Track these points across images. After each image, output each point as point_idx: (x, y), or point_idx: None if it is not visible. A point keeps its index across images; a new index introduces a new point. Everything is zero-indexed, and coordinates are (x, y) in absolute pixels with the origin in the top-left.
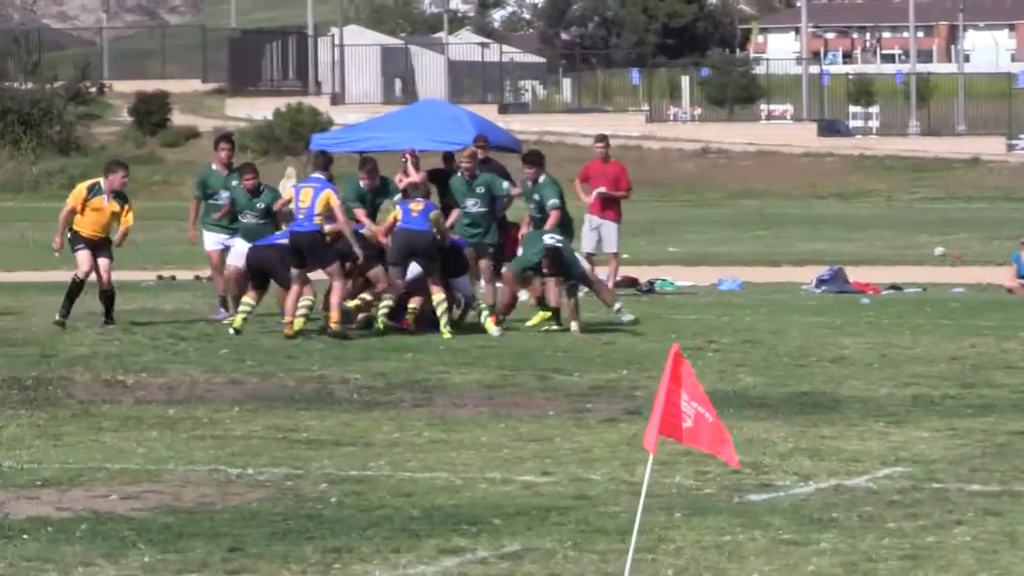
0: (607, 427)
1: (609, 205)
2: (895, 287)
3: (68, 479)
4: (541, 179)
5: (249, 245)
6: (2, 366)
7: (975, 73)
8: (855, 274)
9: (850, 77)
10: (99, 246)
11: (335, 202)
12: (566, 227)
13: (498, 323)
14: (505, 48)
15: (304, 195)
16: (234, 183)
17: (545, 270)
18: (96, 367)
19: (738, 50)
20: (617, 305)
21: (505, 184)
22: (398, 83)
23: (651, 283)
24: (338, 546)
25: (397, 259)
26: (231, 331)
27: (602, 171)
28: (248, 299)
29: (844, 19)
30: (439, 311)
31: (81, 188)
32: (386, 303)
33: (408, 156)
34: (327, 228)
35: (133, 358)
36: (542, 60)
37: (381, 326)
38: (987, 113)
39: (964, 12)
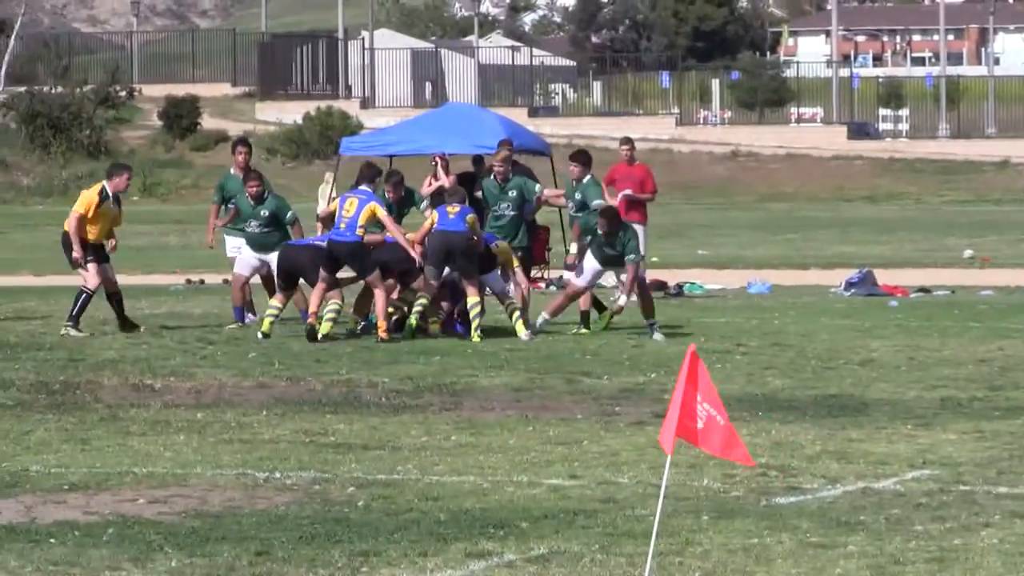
0: (635, 430)
1: (634, 208)
2: (924, 290)
3: (95, 483)
4: (585, 179)
5: (256, 255)
6: (30, 370)
7: (1005, 76)
8: (884, 277)
9: (880, 80)
10: (100, 251)
11: (382, 213)
12: None
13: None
14: (535, 51)
15: (349, 205)
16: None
17: (601, 230)
18: (124, 371)
19: (768, 53)
20: (622, 298)
21: (537, 187)
22: (428, 87)
23: (680, 286)
24: (365, 550)
25: (434, 260)
26: (259, 335)
27: (627, 174)
28: (275, 302)
29: (874, 22)
30: (472, 314)
31: (92, 194)
32: (421, 302)
33: (438, 160)
34: (367, 238)
35: (161, 362)
36: (572, 63)
37: (413, 324)
38: (1017, 116)
39: (994, 15)
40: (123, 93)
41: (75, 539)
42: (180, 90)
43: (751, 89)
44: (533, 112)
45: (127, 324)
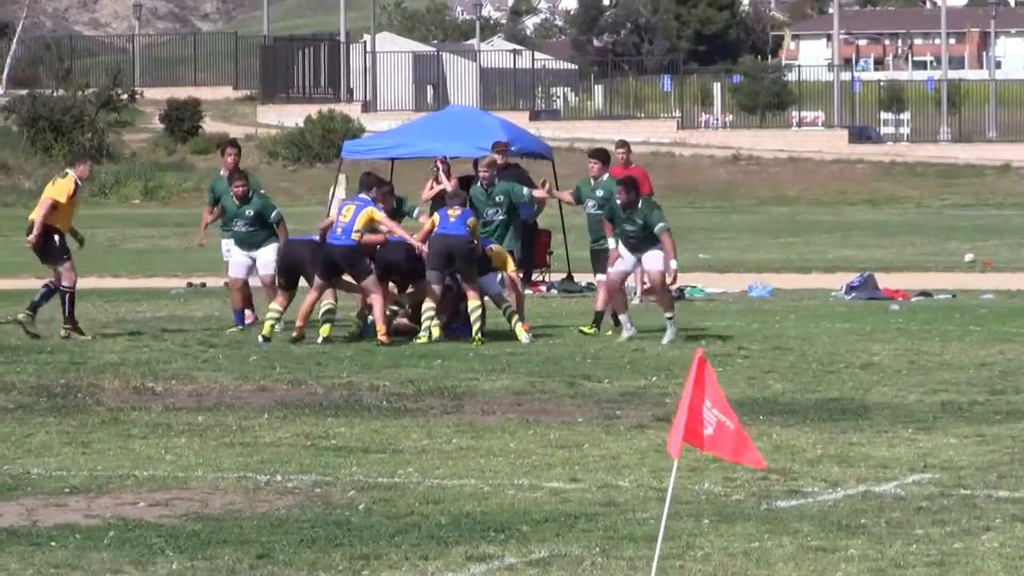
0: (636, 434)
1: None
2: (925, 293)
3: (97, 486)
4: (605, 176)
5: (246, 253)
6: (32, 373)
7: (1007, 80)
8: (885, 280)
9: (882, 84)
10: (66, 245)
11: (380, 216)
12: None
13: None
14: (537, 55)
15: (346, 211)
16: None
17: (620, 199)
18: (125, 374)
19: (770, 57)
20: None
21: (525, 190)
22: (430, 90)
23: (681, 290)
24: (366, 553)
25: (435, 263)
26: (260, 338)
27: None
28: (276, 305)
29: (876, 26)
30: (473, 317)
31: (68, 183)
32: (428, 315)
33: (439, 164)
34: (368, 238)
35: (163, 365)
36: (574, 67)
37: (436, 334)
38: (1018, 120)
39: (996, 19)
40: (125, 96)
41: (76, 542)
42: (182, 93)
43: (753, 93)
44: (534, 115)
45: (75, 325)
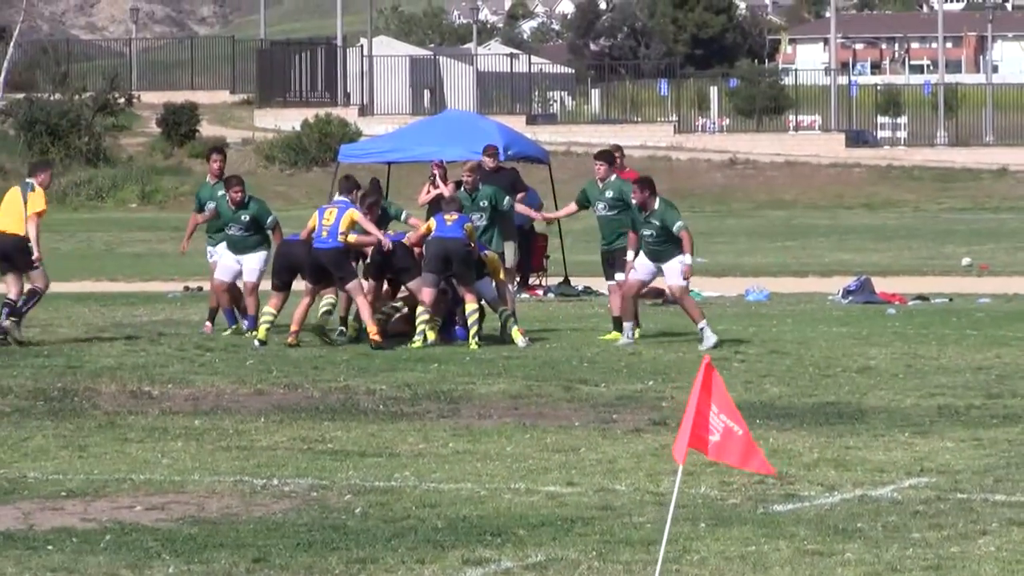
0: (633, 438)
1: None
2: (922, 297)
3: (93, 490)
4: (612, 177)
5: (236, 257)
6: (28, 377)
7: (1003, 84)
8: (882, 284)
9: (878, 88)
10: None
11: (358, 216)
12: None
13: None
14: (534, 59)
15: (328, 214)
16: (220, 193)
17: (635, 199)
18: (122, 378)
19: (767, 61)
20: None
21: (507, 200)
22: (427, 94)
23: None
24: (363, 557)
25: (433, 267)
26: (256, 343)
27: None
28: (270, 308)
29: (873, 30)
30: (470, 320)
31: (41, 192)
32: (423, 319)
33: (436, 168)
34: (355, 239)
35: (159, 369)
36: (571, 71)
37: (432, 337)
38: (1015, 124)
39: (993, 23)
40: (122, 100)
41: (73, 546)
42: (179, 97)
43: (749, 97)
44: (531, 119)
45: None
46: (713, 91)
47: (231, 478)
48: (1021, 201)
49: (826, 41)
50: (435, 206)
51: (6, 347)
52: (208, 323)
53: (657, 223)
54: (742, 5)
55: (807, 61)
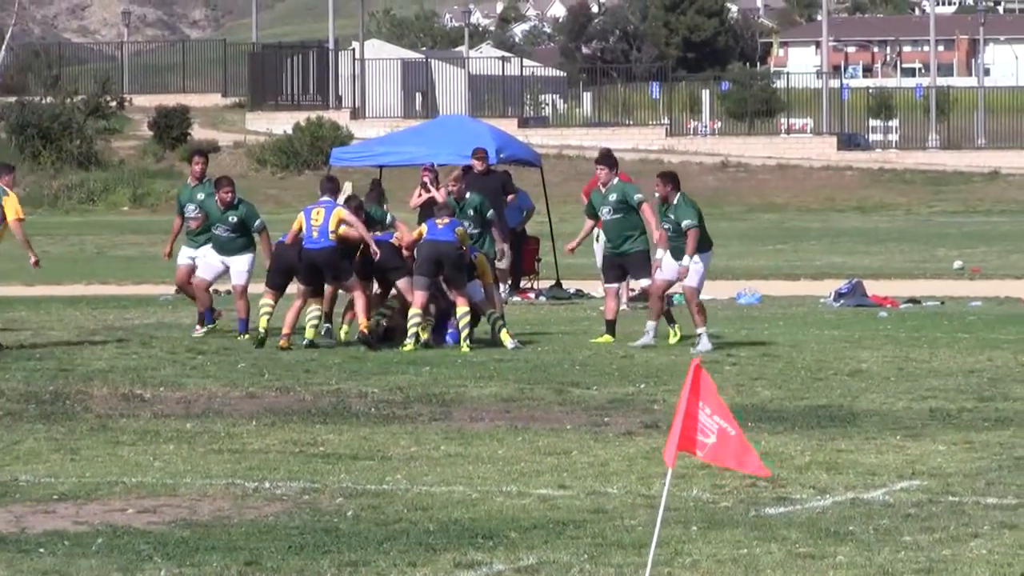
0: (624, 441)
1: None
2: (913, 300)
3: (85, 493)
4: (614, 181)
5: (221, 258)
6: (20, 380)
7: (995, 87)
8: (873, 288)
9: (870, 91)
10: None
11: (346, 215)
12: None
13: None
14: (526, 62)
15: (316, 214)
16: (200, 195)
17: (658, 193)
18: (114, 381)
19: (758, 64)
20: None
21: (491, 212)
22: (418, 97)
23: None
24: (355, 560)
25: (424, 269)
26: (260, 330)
27: None
28: (268, 299)
29: (864, 33)
30: (461, 324)
31: (13, 197)
32: (415, 321)
33: (425, 175)
34: (344, 231)
35: (151, 372)
36: (562, 74)
37: (425, 336)
38: (1007, 127)
39: (985, 26)
40: (113, 103)
41: (65, 549)
42: (170, 100)
43: (741, 100)
44: (523, 123)
45: None
46: (705, 94)
47: (223, 481)
48: (1013, 204)
49: (818, 44)
50: (426, 210)
51: None
52: (199, 326)
53: (673, 218)
54: (734, 8)
55: (799, 64)
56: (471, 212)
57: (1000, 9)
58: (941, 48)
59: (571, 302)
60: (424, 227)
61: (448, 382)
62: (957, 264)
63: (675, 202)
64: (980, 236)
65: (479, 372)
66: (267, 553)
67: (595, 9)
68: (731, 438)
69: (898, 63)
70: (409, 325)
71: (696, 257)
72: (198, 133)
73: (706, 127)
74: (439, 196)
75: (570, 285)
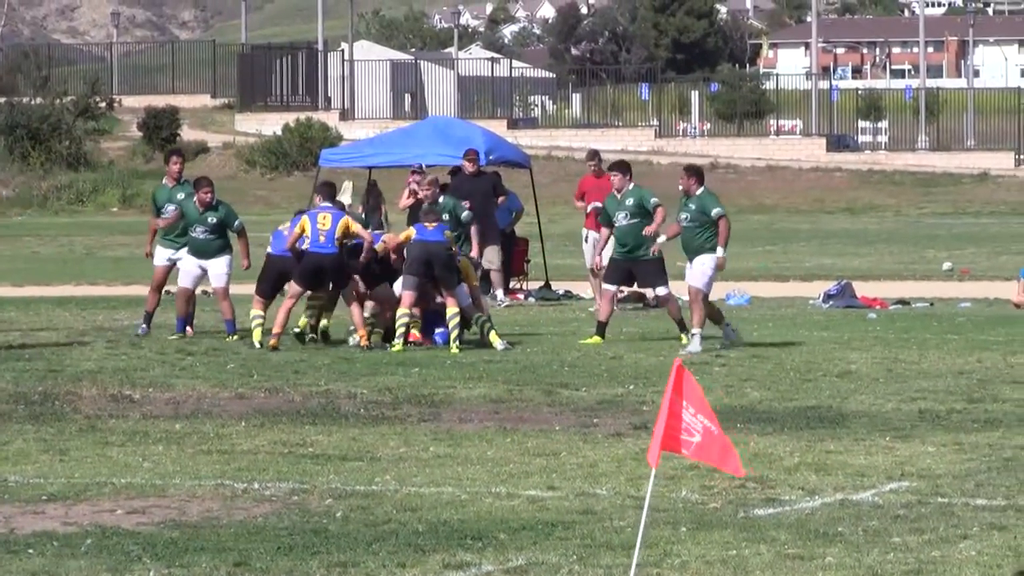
0: (613, 442)
1: None
2: (902, 302)
3: (74, 494)
4: (630, 186)
5: (197, 263)
6: (9, 381)
7: (985, 88)
8: (863, 289)
9: (860, 92)
10: None
11: (356, 227)
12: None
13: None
14: (515, 63)
15: (324, 219)
16: (180, 196)
17: (682, 186)
18: (103, 382)
19: (748, 65)
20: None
21: (466, 214)
22: (408, 98)
23: (659, 298)
24: (344, 561)
25: (414, 269)
26: (256, 344)
27: (597, 186)
28: (258, 310)
29: (854, 34)
30: (451, 324)
31: None
32: (403, 321)
33: (412, 177)
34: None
35: (140, 373)
36: (552, 75)
37: (400, 347)
38: (996, 128)
39: (974, 28)
40: (103, 104)
41: (54, 550)
42: (160, 101)
43: (730, 101)
44: (512, 124)
45: None
46: (694, 95)
47: (212, 482)
48: (1002, 206)
49: (807, 45)
50: (415, 212)
51: None
52: (188, 328)
53: (694, 207)
54: (723, 10)
55: (788, 65)
56: (445, 216)
57: (989, 10)
58: (930, 49)
59: (560, 303)
60: (412, 230)
61: (437, 383)
62: (946, 265)
63: (698, 193)
64: (969, 237)
65: (468, 373)
66: (256, 554)
67: (584, 10)
68: (715, 437)
69: (887, 64)
70: (397, 325)
71: (704, 258)
72: (187, 134)
73: (695, 128)
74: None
75: (559, 286)
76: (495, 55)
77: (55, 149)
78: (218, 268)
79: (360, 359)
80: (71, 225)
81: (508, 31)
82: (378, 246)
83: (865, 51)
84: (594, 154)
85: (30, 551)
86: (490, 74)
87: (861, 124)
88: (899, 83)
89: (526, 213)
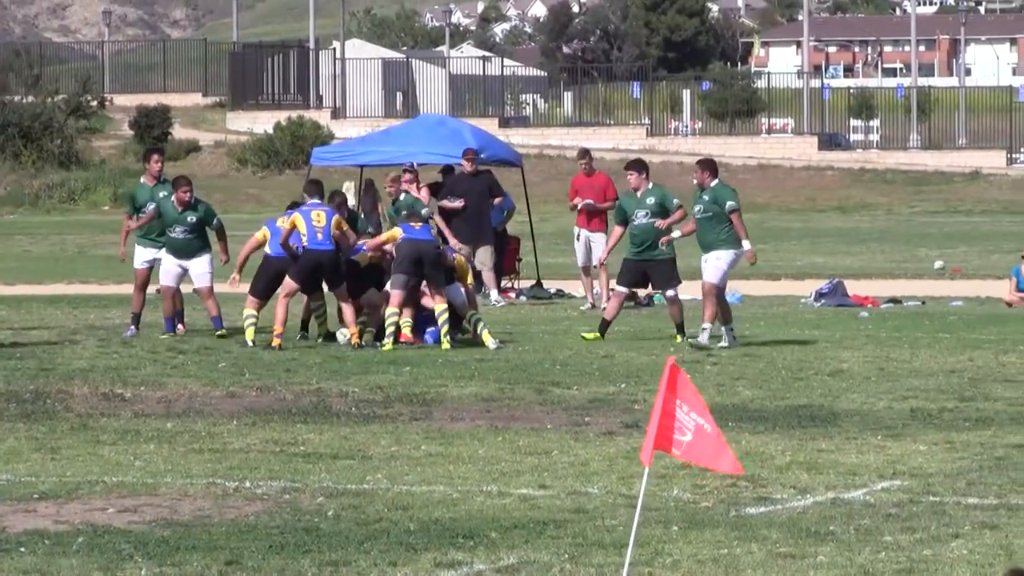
0: (605, 440)
1: (597, 216)
2: (894, 300)
3: (66, 492)
4: (649, 185)
5: (178, 262)
6: (0, 379)
7: (976, 87)
8: (854, 287)
9: (851, 91)
10: None
11: (345, 227)
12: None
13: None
14: (506, 62)
15: (318, 217)
16: (161, 195)
17: (696, 180)
18: (94, 380)
19: (739, 64)
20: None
21: (425, 210)
22: (399, 97)
23: (650, 297)
24: (335, 560)
25: (404, 268)
26: (249, 343)
27: (588, 184)
28: (251, 310)
29: (845, 33)
30: (440, 321)
31: None
32: (392, 320)
33: (405, 176)
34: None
35: (132, 371)
36: (543, 74)
37: (390, 346)
38: (988, 127)
39: (966, 26)
40: (94, 103)
41: (45, 548)
42: (151, 100)
43: (722, 100)
44: (504, 122)
45: None
46: (686, 94)
47: (203, 480)
48: (993, 204)
49: (799, 44)
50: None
51: None
52: (180, 325)
53: (708, 198)
54: (715, 8)
55: (780, 64)
56: (404, 213)
57: (981, 9)
58: (922, 48)
59: (552, 302)
60: (398, 230)
61: (428, 382)
62: (938, 264)
63: (712, 185)
64: (961, 236)
65: (459, 372)
66: (248, 552)
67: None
68: (707, 435)
69: (879, 63)
70: (386, 324)
71: (720, 253)
72: (179, 133)
73: (687, 127)
74: (421, 196)
75: (551, 285)
76: (487, 54)
77: (47, 148)
78: (200, 267)
79: (351, 358)
80: (63, 224)
81: (499, 29)
82: (359, 257)
83: (857, 50)
84: (585, 153)
85: (21, 549)
86: (481, 72)
87: (853, 123)
88: (891, 82)
89: (517, 212)
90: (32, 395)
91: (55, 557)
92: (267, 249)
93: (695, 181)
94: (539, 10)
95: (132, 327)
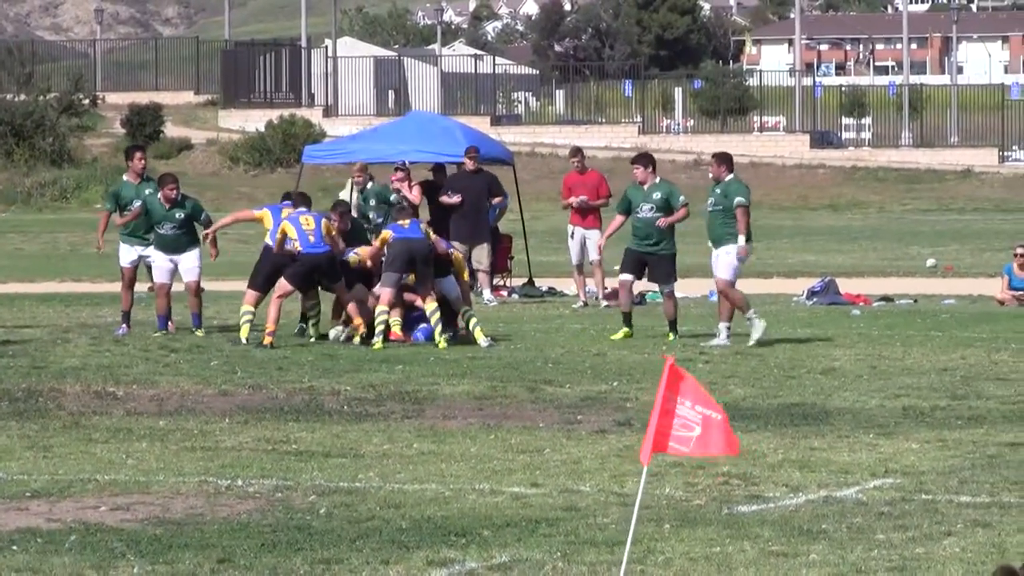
0: (597, 439)
1: (590, 213)
2: (886, 299)
3: (58, 490)
4: (657, 180)
5: (168, 257)
6: None
7: (968, 85)
8: (846, 286)
9: (843, 89)
10: None
11: (335, 231)
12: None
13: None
14: (498, 60)
15: (307, 221)
16: (147, 192)
17: (712, 174)
18: (87, 379)
19: (731, 62)
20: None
21: (394, 197)
22: (391, 95)
23: (642, 295)
24: (327, 558)
25: (396, 266)
26: (243, 340)
27: (581, 181)
28: (248, 306)
29: (837, 31)
30: (433, 320)
31: None
32: (381, 318)
33: (396, 177)
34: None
35: (124, 370)
36: (535, 72)
37: (380, 345)
38: (980, 125)
39: (958, 24)
40: (86, 101)
41: (38, 546)
42: (143, 98)
43: (714, 98)
44: (496, 120)
45: None
46: (677, 92)
47: (196, 479)
48: (985, 202)
49: (791, 42)
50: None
51: None
52: (169, 322)
53: (720, 192)
54: (706, 6)
55: (772, 62)
56: (372, 201)
57: (973, 7)
58: (914, 46)
59: (544, 300)
60: (388, 232)
61: (421, 380)
62: (930, 262)
63: (726, 179)
64: (953, 234)
65: (452, 370)
66: (240, 551)
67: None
68: (716, 423)
69: (871, 61)
70: (376, 323)
71: (729, 248)
72: (171, 131)
73: (679, 125)
74: (412, 196)
75: (543, 283)
76: (478, 52)
77: (39, 146)
78: (189, 262)
79: (344, 356)
80: (55, 222)
81: (491, 28)
82: (351, 257)
83: (848, 48)
84: (577, 151)
85: (14, 547)
86: (473, 71)
87: (845, 121)
88: (883, 80)
89: (509, 210)
90: (24, 393)
91: (47, 555)
92: (267, 239)
93: (711, 175)
94: (531, 8)
95: (123, 325)
